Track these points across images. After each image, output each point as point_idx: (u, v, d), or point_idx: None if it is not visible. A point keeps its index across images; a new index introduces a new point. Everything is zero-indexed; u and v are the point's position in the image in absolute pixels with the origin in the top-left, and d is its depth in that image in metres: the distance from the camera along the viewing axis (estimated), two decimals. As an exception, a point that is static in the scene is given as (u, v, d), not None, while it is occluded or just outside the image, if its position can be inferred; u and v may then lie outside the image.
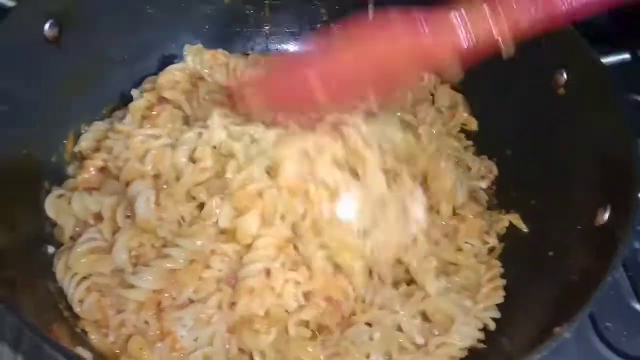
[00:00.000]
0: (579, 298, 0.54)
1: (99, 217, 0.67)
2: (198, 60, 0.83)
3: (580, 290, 0.54)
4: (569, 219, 0.67)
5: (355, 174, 0.66)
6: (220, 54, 0.85)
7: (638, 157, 0.59)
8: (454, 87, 0.87)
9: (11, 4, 0.67)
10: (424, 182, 0.73)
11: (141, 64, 0.86)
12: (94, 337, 0.60)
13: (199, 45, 0.85)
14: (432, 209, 0.73)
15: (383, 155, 0.68)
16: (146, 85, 0.83)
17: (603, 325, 0.77)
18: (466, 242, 0.72)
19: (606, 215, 0.61)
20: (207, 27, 0.90)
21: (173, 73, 0.80)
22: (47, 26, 0.70)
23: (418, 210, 0.68)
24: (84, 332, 0.60)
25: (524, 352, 0.50)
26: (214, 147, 0.69)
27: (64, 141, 0.77)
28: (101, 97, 0.82)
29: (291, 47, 0.95)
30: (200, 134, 0.70)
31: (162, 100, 0.78)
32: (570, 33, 0.69)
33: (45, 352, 0.51)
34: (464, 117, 0.84)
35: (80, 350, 0.54)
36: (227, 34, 0.91)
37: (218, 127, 0.68)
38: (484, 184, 0.78)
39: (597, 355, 0.74)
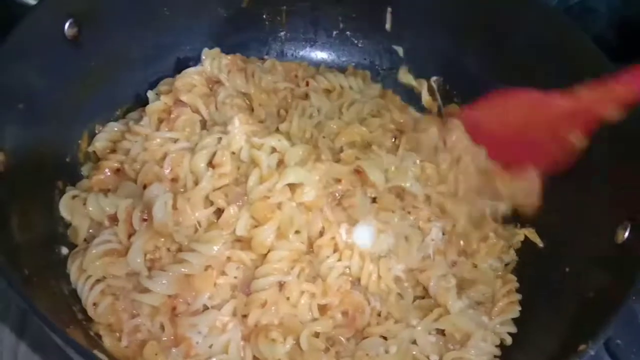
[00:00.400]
0: (600, 315, 0.53)
1: (114, 219, 0.67)
2: (216, 64, 0.83)
3: (601, 308, 0.54)
4: (586, 236, 0.67)
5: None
6: (239, 59, 0.85)
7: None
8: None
9: (33, 2, 0.67)
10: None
11: (156, 66, 0.85)
12: (107, 342, 0.59)
13: (217, 50, 0.85)
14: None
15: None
16: (162, 87, 0.82)
17: (614, 343, 0.77)
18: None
19: (626, 234, 0.60)
20: (223, 30, 0.89)
21: (191, 76, 0.80)
22: (66, 25, 0.70)
23: (434, 230, 0.68)
24: (98, 336, 0.60)
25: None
26: (233, 153, 0.68)
27: (79, 141, 0.76)
28: (116, 98, 0.82)
29: (306, 52, 0.94)
30: (219, 139, 0.69)
31: (178, 103, 0.78)
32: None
33: (49, 341, 0.50)
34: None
35: (97, 354, 0.53)
36: (243, 38, 0.91)
37: (239, 133, 0.68)
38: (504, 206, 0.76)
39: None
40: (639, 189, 0.61)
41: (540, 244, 0.74)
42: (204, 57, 0.83)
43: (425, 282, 0.67)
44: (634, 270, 0.55)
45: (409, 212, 0.71)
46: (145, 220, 0.66)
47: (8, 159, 0.60)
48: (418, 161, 0.74)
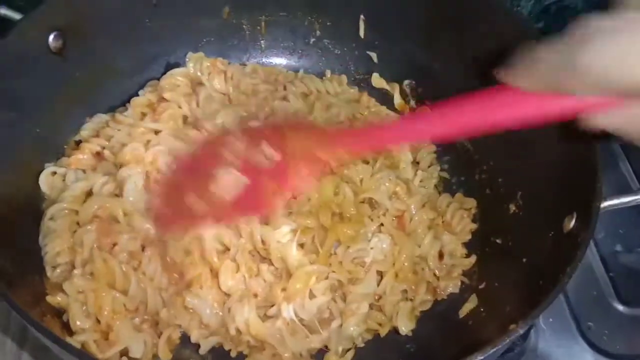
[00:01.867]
0: (539, 301, 0.56)
1: (90, 194, 0.71)
2: (198, 66, 0.87)
3: (541, 294, 0.57)
4: (541, 227, 0.70)
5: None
6: (219, 62, 0.89)
7: (599, 168, 0.62)
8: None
9: (17, 17, 0.72)
10: None
11: (142, 75, 0.90)
12: (79, 323, 0.63)
13: (201, 54, 0.90)
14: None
15: None
16: (148, 88, 0.87)
17: (585, 325, 0.80)
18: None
19: (572, 223, 0.63)
20: (205, 40, 0.94)
21: (175, 77, 0.84)
22: (51, 38, 0.75)
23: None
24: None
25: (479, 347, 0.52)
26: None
27: (64, 146, 0.81)
28: (103, 107, 0.86)
29: (285, 60, 0.99)
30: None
31: (162, 100, 0.82)
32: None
33: (51, 349, 0.54)
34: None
35: (70, 340, 0.57)
36: (225, 47, 0.95)
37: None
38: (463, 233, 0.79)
39: (579, 354, 0.78)
40: (583, 180, 0.63)
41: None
42: (187, 60, 0.87)
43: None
44: (570, 261, 0.57)
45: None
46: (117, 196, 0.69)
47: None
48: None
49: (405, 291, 0.73)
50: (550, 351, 0.78)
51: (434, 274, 0.75)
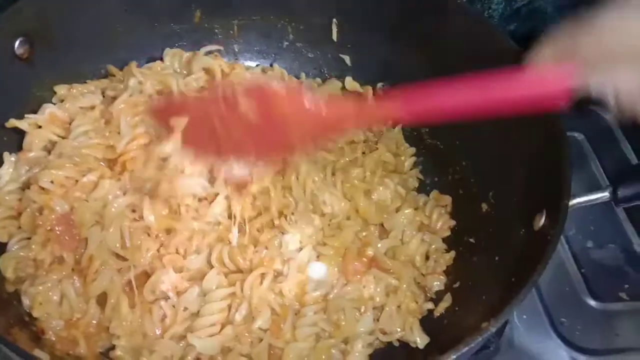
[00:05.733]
0: (511, 298, 0.57)
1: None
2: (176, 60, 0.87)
3: (513, 291, 0.57)
4: (513, 225, 0.70)
5: None
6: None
7: (568, 166, 0.63)
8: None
9: (-18, 22, 0.71)
10: None
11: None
12: (50, 335, 0.62)
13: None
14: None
15: None
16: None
17: (559, 321, 0.82)
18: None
19: (542, 220, 0.64)
20: (177, 44, 0.94)
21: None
22: (17, 44, 0.74)
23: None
24: (42, 332, 0.62)
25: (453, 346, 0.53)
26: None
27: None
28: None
29: (259, 63, 0.98)
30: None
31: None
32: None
33: None
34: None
35: (38, 353, 0.56)
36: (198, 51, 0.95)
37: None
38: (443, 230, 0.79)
39: (553, 350, 0.79)
40: (552, 178, 0.65)
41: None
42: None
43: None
44: (543, 253, 0.58)
45: None
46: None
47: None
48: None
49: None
50: (525, 347, 0.80)
51: (421, 274, 0.75)
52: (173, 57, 0.87)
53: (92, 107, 0.78)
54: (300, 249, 0.71)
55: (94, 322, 0.64)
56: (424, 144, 0.90)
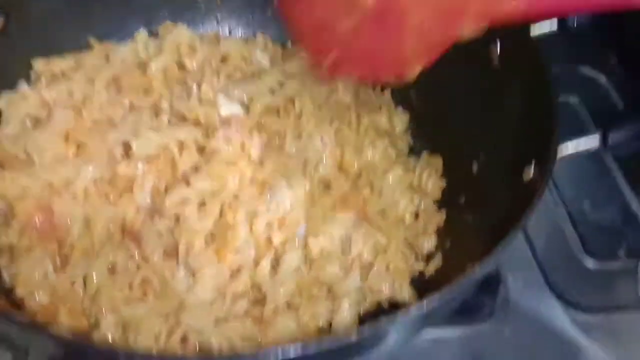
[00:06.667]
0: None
1: None
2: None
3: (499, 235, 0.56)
4: (503, 181, 0.69)
5: None
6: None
7: (557, 112, 0.61)
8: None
9: (-47, -8, 0.69)
10: None
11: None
12: (31, 306, 0.61)
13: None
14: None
15: None
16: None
17: (554, 280, 0.80)
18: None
19: (531, 171, 0.63)
20: (157, 16, 0.91)
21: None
22: (-9, 16, 0.73)
23: None
24: (22, 300, 0.61)
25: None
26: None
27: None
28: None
29: (242, 32, 0.96)
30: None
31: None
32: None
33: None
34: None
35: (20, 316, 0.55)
36: (178, 21, 0.92)
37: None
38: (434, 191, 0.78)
39: (549, 309, 0.78)
40: (543, 127, 0.63)
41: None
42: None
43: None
44: (526, 207, 0.56)
45: None
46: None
47: None
48: None
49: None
50: (521, 307, 0.78)
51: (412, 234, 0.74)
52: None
53: (70, 94, 0.76)
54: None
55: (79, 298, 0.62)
56: (412, 106, 0.88)
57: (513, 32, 0.72)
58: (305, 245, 0.68)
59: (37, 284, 0.61)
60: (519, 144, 0.67)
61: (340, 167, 0.76)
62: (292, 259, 0.67)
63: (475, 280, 0.53)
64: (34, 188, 0.65)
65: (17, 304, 0.60)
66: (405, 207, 0.73)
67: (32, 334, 0.49)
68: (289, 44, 0.95)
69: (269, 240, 0.68)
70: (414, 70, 0.59)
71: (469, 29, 0.56)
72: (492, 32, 0.74)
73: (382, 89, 0.88)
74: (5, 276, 0.62)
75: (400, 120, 0.83)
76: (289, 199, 0.71)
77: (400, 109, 0.87)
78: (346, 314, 0.65)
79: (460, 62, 0.80)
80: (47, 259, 0.62)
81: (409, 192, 0.75)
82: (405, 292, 0.67)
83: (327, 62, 0.61)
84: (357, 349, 0.54)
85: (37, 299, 0.60)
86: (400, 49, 0.59)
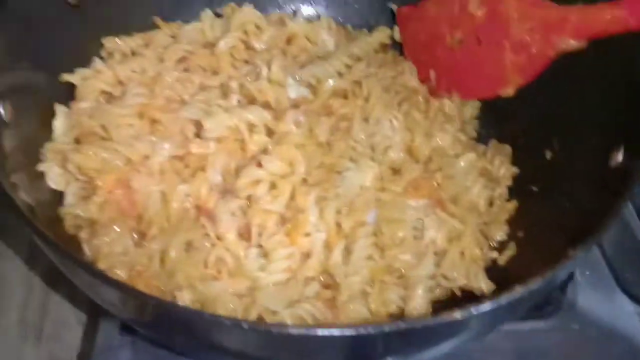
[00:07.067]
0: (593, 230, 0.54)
1: None
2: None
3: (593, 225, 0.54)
4: (583, 167, 0.67)
5: None
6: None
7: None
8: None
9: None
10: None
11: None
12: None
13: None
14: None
15: None
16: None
17: (623, 276, 0.78)
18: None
19: (620, 156, 0.60)
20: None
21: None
22: (68, -10, 0.73)
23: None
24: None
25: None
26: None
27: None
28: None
29: (304, 9, 0.95)
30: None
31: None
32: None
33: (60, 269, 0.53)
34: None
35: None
36: (240, 2, 0.92)
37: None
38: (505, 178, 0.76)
39: (618, 306, 0.76)
40: (634, 112, 0.61)
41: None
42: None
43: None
44: (625, 189, 0.55)
45: None
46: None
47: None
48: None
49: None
50: (589, 304, 0.76)
51: (484, 222, 0.72)
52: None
53: (143, 71, 0.77)
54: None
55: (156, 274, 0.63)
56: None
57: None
58: (377, 232, 0.68)
59: (117, 259, 0.61)
60: (604, 128, 0.65)
61: (410, 152, 0.75)
62: (363, 246, 0.66)
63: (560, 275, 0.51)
64: (113, 163, 0.65)
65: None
66: (479, 193, 0.72)
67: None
68: (349, 27, 0.94)
69: (339, 225, 0.68)
70: (511, 87, 0.61)
71: (569, 42, 0.58)
72: None
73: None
74: (87, 250, 0.62)
75: (471, 106, 0.81)
76: (358, 183, 0.70)
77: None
78: (420, 300, 0.64)
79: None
80: (127, 234, 0.62)
81: (482, 178, 0.74)
82: (480, 281, 0.66)
83: (432, 78, 0.62)
84: (432, 337, 0.53)
85: (118, 272, 0.61)
86: (500, 63, 0.61)
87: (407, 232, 0.67)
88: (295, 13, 0.94)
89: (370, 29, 0.94)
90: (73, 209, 0.63)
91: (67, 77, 0.73)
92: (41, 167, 0.65)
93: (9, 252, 0.73)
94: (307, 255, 0.66)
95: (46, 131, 0.70)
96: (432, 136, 0.75)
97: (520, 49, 0.60)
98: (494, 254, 0.70)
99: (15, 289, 0.70)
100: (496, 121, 0.83)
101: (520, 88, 0.62)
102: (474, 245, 0.68)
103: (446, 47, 0.64)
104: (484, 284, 0.65)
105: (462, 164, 0.73)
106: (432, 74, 0.63)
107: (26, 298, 0.70)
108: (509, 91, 0.62)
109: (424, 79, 0.66)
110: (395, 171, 0.73)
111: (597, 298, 0.77)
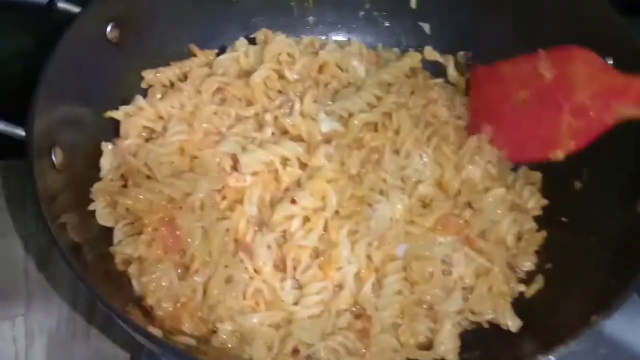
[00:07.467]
0: (617, 287, 0.55)
1: None
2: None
3: (619, 280, 0.55)
4: (611, 205, 0.68)
5: None
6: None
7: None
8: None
9: (76, 10, 0.73)
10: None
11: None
12: (159, 312, 0.65)
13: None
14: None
15: None
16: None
17: None
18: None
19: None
20: (253, 19, 0.93)
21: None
22: (108, 29, 0.76)
23: None
24: (151, 307, 0.66)
25: (561, 338, 0.52)
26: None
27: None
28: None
29: (334, 36, 0.97)
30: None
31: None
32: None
33: (117, 324, 0.57)
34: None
35: (152, 329, 0.60)
36: (273, 26, 0.93)
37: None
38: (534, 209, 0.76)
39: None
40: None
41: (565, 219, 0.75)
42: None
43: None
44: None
45: None
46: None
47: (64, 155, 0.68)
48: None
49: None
50: (618, 329, 0.77)
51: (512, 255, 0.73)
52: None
53: (182, 106, 0.79)
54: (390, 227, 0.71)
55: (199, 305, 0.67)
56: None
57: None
58: (406, 267, 0.70)
59: (163, 293, 0.66)
60: (631, 172, 0.65)
61: (440, 186, 0.76)
62: (393, 281, 0.69)
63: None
64: (158, 203, 0.69)
65: (147, 311, 0.66)
66: (508, 229, 0.73)
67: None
68: (380, 47, 0.95)
69: (370, 258, 0.71)
70: (563, 150, 0.63)
71: (630, 109, 0.58)
72: (605, 43, 0.72)
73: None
74: (136, 285, 0.67)
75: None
76: (388, 215, 0.72)
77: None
78: (448, 334, 0.66)
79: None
80: (172, 269, 0.67)
81: (510, 213, 0.75)
82: (507, 317, 0.68)
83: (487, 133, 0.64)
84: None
85: (164, 305, 0.65)
86: (557, 126, 0.62)
87: (436, 268, 0.69)
88: (326, 36, 0.96)
89: (401, 47, 0.95)
90: (122, 247, 0.68)
91: (110, 113, 0.77)
92: (91, 206, 0.70)
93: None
94: (339, 287, 0.70)
95: (94, 170, 0.74)
96: (462, 168, 0.76)
97: (579, 113, 0.61)
98: (522, 287, 0.71)
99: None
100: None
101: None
102: (502, 282, 0.70)
103: (511, 106, 0.65)
104: (510, 321, 0.67)
105: (490, 199, 0.74)
106: (489, 129, 0.64)
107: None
108: (559, 155, 0.63)
109: (473, 132, 0.68)
110: (425, 204, 0.75)
111: (625, 322, 0.78)
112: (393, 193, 0.74)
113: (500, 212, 0.74)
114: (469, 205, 0.75)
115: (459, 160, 0.77)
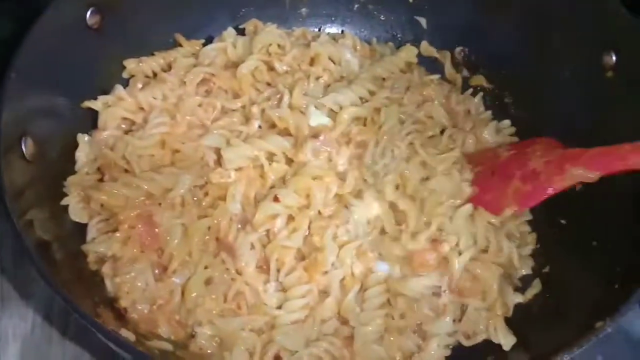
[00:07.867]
0: (622, 292, 0.52)
1: None
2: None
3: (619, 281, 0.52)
4: (613, 208, 0.64)
5: None
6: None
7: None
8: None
9: (54, -7, 0.69)
10: None
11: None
12: (133, 314, 0.62)
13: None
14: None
15: None
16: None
17: None
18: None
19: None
20: (243, 10, 0.89)
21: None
22: (88, 14, 0.72)
23: None
24: (125, 310, 0.62)
25: (564, 345, 0.49)
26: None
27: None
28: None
29: (327, 29, 0.93)
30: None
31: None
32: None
33: (93, 336, 0.53)
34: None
35: (124, 332, 0.56)
36: (264, 17, 0.90)
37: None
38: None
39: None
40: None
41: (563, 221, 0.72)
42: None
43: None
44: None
45: None
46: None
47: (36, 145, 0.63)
48: None
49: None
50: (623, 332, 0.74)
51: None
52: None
53: (165, 97, 0.76)
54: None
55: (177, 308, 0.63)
56: (509, 115, 0.84)
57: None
58: (390, 296, 0.66)
59: (139, 294, 0.62)
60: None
61: (405, 187, 0.71)
62: (375, 294, 0.65)
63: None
64: (136, 199, 0.65)
65: (120, 314, 0.62)
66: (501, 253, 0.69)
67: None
68: (374, 41, 0.92)
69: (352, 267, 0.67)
70: (511, 211, 0.69)
71: (581, 172, 0.62)
72: (608, 40, 0.69)
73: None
74: (109, 286, 0.63)
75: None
76: (365, 217, 0.68)
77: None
78: (434, 353, 0.63)
79: (566, 70, 0.76)
80: (149, 269, 0.63)
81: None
82: (500, 335, 0.64)
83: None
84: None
85: (139, 307, 0.61)
86: (505, 191, 0.69)
87: (422, 299, 0.65)
88: (319, 28, 0.92)
89: (397, 42, 0.92)
90: (95, 245, 0.64)
91: (88, 103, 0.73)
92: (64, 201, 0.66)
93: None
94: (325, 293, 0.66)
95: (69, 162, 0.70)
96: (434, 173, 0.72)
97: (530, 177, 0.67)
98: (518, 298, 0.67)
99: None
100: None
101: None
102: (497, 299, 0.66)
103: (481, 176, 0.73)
104: (503, 340, 0.63)
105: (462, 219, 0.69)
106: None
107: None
108: (508, 213, 0.69)
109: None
110: (399, 220, 0.70)
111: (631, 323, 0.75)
112: (368, 193, 0.69)
113: (481, 234, 0.68)
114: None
115: (432, 162, 0.72)
